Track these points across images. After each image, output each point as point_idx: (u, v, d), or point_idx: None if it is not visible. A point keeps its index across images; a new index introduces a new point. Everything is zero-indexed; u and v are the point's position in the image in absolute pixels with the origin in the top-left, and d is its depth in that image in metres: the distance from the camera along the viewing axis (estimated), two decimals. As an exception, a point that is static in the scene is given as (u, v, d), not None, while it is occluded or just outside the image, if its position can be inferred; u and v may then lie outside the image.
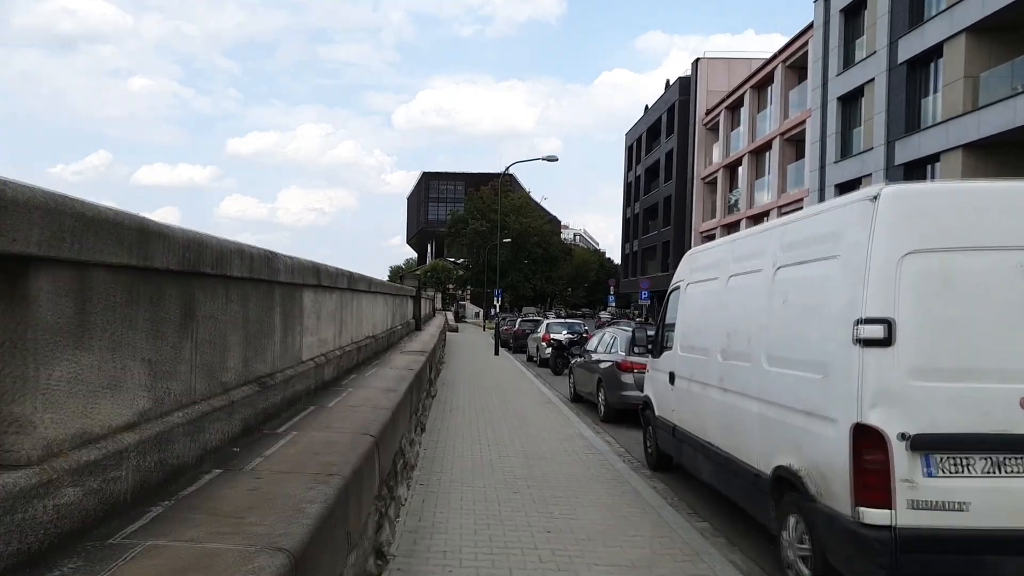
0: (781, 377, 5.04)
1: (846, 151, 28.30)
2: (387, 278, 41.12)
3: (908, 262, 4.01)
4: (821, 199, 29.71)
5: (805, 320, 4.81)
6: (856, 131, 27.83)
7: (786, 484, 4.86)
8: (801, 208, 32.80)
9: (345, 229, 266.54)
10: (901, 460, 3.87)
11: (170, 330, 3.13)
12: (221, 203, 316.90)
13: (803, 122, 32.15)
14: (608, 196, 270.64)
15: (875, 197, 4.16)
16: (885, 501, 3.87)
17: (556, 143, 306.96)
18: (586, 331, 25.03)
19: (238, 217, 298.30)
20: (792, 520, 4.75)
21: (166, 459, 3.01)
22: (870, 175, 25.89)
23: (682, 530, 6.09)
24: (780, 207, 34.44)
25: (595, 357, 13.74)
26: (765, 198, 37.05)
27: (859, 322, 4.04)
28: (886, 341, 3.95)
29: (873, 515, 3.88)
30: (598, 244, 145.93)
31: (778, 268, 5.34)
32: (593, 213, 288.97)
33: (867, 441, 3.95)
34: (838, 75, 28.44)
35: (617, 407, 12.13)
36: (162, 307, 3.04)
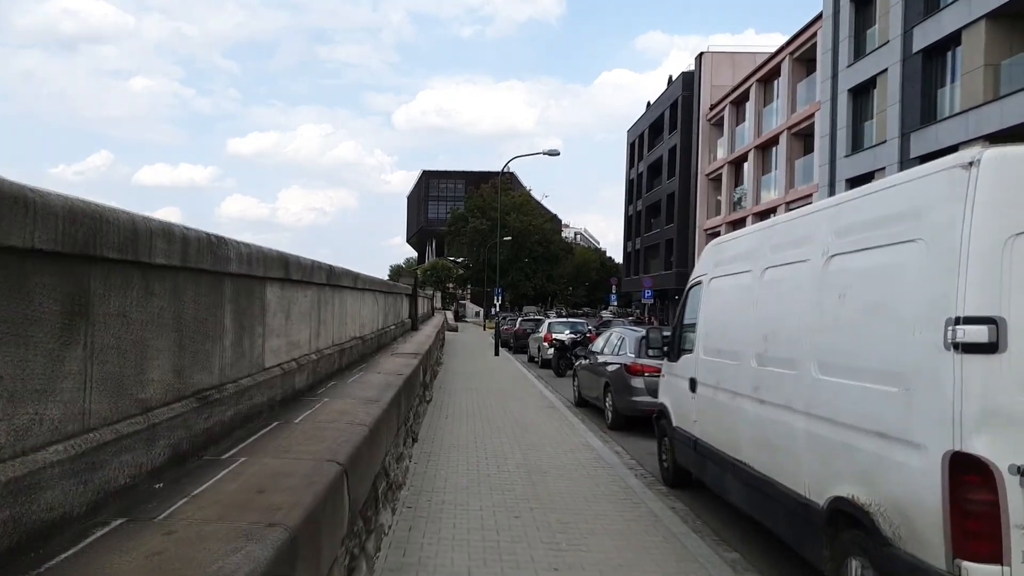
0: (839, 389, 4.16)
1: (857, 144, 27.40)
2: (387, 277, 40.10)
3: (1019, 245, 3.14)
4: (831, 195, 28.86)
5: (872, 319, 3.94)
6: (868, 124, 26.94)
7: (846, 519, 3.99)
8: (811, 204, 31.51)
9: (346, 229, 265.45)
10: (1015, 500, 3.01)
11: (42, 333, 2.26)
12: (222, 203, 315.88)
13: (812, 116, 31.26)
14: (608, 196, 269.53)
15: (972, 163, 3.28)
16: (995, 553, 3.00)
17: (556, 143, 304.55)
18: (590, 331, 24.14)
19: (239, 217, 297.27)
20: (855, 565, 3.88)
21: (26, 516, 2.14)
22: (883, 168, 24.99)
23: (710, 564, 5.22)
24: (788, 203, 33.53)
25: (601, 359, 12.87)
26: (772, 194, 36.16)
27: (955, 322, 3.17)
28: (993, 346, 3.08)
29: (980, 571, 3.01)
30: (599, 243, 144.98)
31: (831, 257, 4.47)
32: (593, 213, 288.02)
33: (969, 475, 3.08)
34: (849, 66, 27.54)
35: (626, 413, 11.26)
36: (24, 301, 2.18)
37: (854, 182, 27.51)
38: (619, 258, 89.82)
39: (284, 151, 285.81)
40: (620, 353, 12.01)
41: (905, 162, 23.87)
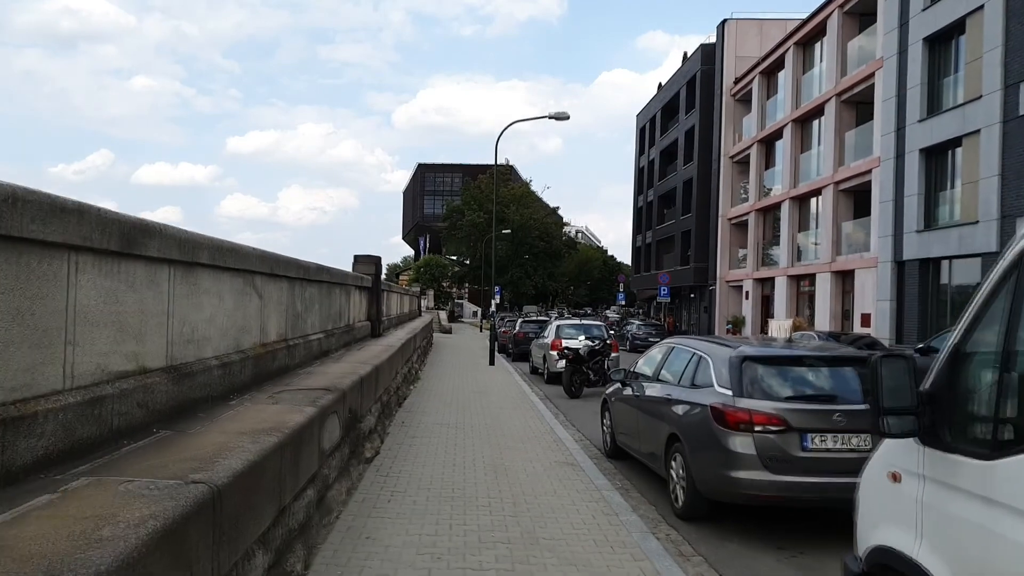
0: None
1: (935, 106, 22.29)
2: (384, 277, 34.94)
3: None
4: (899, 168, 23.79)
5: None
6: (950, 79, 21.85)
7: None
8: (869, 182, 26.73)
9: (346, 228, 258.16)
10: None
11: None
12: (222, 202, 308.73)
13: (869, 77, 26.08)
14: (609, 196, 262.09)
15: None
16: None
17: (557, 142, 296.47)
18: (611, 335, 19.06)
19: (238, 216, 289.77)
20: None
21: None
22: (977, 132, 19.93)
23: None
24: (837, 182, 28.44)
25: (653, 390, 7.83)
26: (814, 173, 30.98)
27: None
28: None
29: None
30: (600, 242, 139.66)
31: None
32: (594, 213, 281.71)
33: None
34: (925, 9, 22.41)
35: (715, 497, 6.23)
36: None
37: (931, 152, 22.46)
38: (620, 258, 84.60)
39: (284, 150, 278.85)
40: (696, 383, 6.95)
41: (1009, 121, 18.82)
